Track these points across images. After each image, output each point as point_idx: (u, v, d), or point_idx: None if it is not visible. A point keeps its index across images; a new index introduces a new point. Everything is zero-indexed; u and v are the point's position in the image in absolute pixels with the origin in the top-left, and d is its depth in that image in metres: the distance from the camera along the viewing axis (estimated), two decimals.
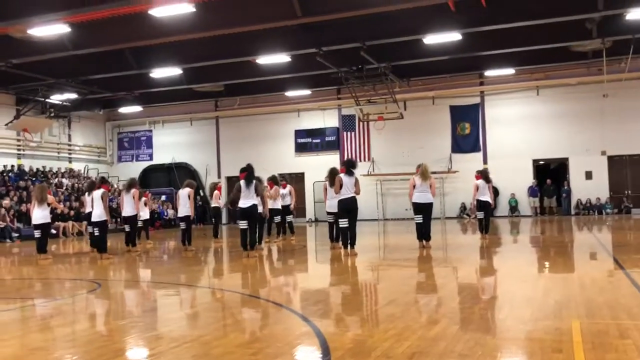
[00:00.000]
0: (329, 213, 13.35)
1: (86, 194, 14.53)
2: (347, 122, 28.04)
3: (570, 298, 6.29)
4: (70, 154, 29.95)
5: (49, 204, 13.36)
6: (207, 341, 4.94)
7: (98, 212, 12.91)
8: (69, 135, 29.94)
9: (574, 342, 4.48)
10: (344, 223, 11.50)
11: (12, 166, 25.91)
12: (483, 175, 14.12)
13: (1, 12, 14.55)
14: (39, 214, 13.06)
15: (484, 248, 12.48)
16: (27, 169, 26.41)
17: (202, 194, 27.80)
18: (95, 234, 13.20)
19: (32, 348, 4.92)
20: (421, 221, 12.21)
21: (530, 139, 25.56)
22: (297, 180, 27.13)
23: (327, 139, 28.52)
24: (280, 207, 15.62)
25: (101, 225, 12.94)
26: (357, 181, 11.48)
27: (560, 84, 24.84)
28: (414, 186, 12.18)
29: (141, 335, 5.34)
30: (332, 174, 12.39)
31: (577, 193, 25.38)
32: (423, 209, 12.16)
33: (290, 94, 26.56)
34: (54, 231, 21.53)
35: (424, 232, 12.22)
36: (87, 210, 14.25)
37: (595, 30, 17.81)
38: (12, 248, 17.80)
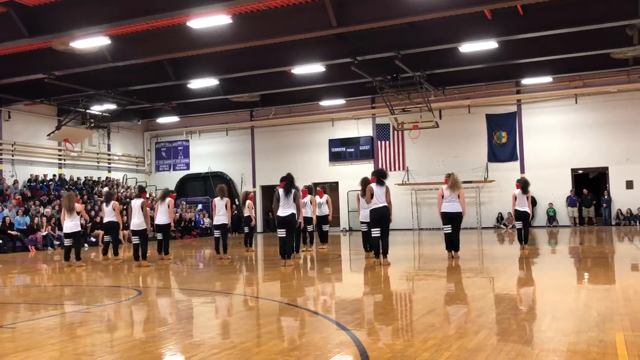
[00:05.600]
0: (362, 222, 13.42)
1: (104, 204, 14.76)
2: (382, 131, 28.00)
3: (613, 310, 6.16)
4: (109, 163, 30.60)
5: (78, 213, 13.57)
6: (248, 348, 4.99)
7: (138, 221, 13.15)
8: (108, 145, 30.61)
9: (618, 355, 4.40)
10: (376, 232, 11.53)
11: (54, 175, 26.60)
12: (521, 185, 13.95)
13: (45, 25, 14.98)
14: (69, 223, 13.28)
15: (523, 258, 12.30)
16: (67, 178, 27.06)
17: (236, 202, 28.05)
18: (135, 242, 13.42)
19: (77, 353, 5.04)
20: (450, 231, 12.13)
21: (568, 147, 25.12)
22: (331, 189, 27.19)
23: (361, 148, 28.51)
24: (311, 216, 15.69)
25: (141, 233, 13.19)
26: (387, 190, 11.48)
27: (600, 91, 24.37)
28: (442, 196, 12.11)
29: (182, 342, 5.42)
30: (364, 184, 12.43)
31: (618, 203, 24.80)
32: (452, 219, 12.07)
33: (324, 103, 26.67)
34: (93, 239, 22.00)
35: (453, 243, 12.14)
36: (106, 219, 14.40)
37: (636, 37, 17.42)
38: (53, 255, 18.22)
